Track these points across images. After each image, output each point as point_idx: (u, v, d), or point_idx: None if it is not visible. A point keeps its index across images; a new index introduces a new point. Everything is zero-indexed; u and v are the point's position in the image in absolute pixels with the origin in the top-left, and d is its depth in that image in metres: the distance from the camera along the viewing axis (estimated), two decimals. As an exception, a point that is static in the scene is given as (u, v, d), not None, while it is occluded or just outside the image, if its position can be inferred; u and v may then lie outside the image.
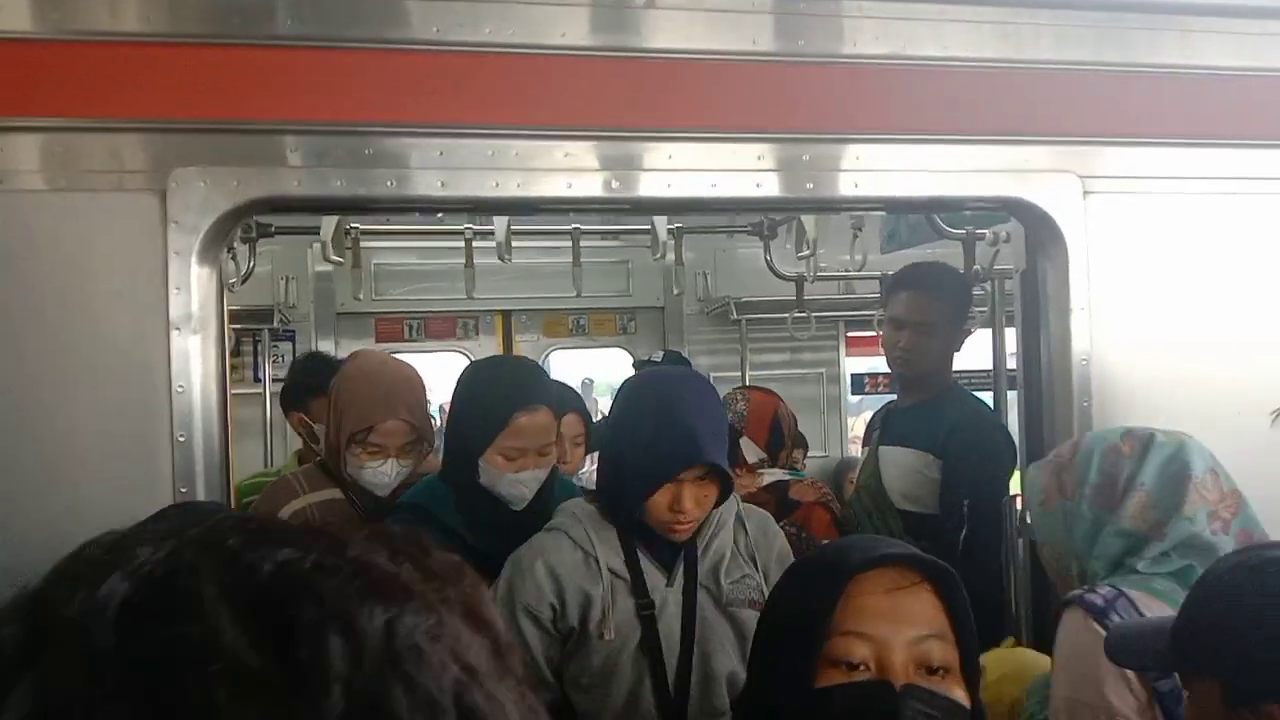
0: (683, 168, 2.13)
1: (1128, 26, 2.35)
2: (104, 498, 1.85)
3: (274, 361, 5.13)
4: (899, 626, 1.16)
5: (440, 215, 4.18)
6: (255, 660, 0.39)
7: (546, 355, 6.01)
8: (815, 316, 5.29)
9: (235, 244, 3.20)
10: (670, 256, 4.47)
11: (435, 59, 2.01)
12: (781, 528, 2.24)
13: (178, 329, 1.88)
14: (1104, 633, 1.52)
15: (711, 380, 5.83)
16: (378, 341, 5.57)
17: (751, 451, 2.87)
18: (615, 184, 2.11)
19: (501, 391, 2.15)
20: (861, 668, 1.15)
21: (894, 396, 3.29)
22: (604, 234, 5.40)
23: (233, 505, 2.07)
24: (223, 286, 1.97)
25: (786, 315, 5.25)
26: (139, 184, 1.89)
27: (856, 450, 5.51)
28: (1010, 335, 3.11)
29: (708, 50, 2.14)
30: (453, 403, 2.27)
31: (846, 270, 4.83)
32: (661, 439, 1.87)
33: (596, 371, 7.77)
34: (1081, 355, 2.31)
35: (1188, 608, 1.31)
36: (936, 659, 1.17)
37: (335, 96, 1.97)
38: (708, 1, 2.14)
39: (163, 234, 1.88)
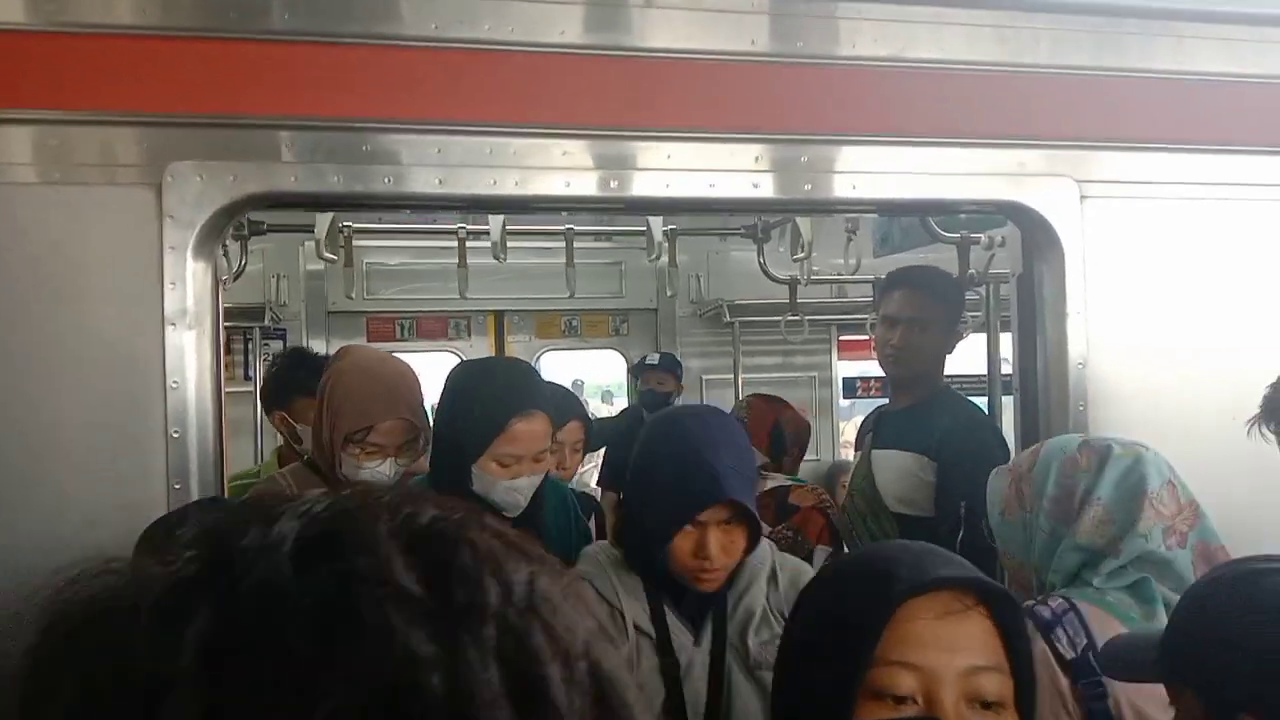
0: (681, 167, 2.13)
1: (1124, 32, 2.36)
2: (97, 493, 1.84)
3: (265, 360, 5.11)
4: (950, 656, 1.05)
5: (434, 215, 4.18)
6: (420, 591, 0.43)
7: (539, 356, 6.01)
8: (808, 320, 5.30)
9: (227, 241, 3.19)
10: (664, 258, 4.47)
11: (434, 55, 2.00)
12: (778, 531, 2.23)
13: (172, 324, 1.86)
14: (1046, 647, 1.54)
15: (703, 382, 5.93)
16: (369, 341, 5.56)
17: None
18: (613, 183, 2.10)
19: (496, 396, 2.06)
20: (909, 701, 1.04)
21: (886, 400, 3.29)
22: (597, 235, 5.40)
23: (225, 502, 2.05)
24: (218, 282, 1.96)
25: (779, 318, 5.26)
26: (134, 178, 1.88)
27: (848, 454, 5.52)
28: (1005, 339, 3.13)
29: (706, 50, 2.14)
30: (443, 406, 2.13)
31: (840, 274, 4.84)
32: (682, 477, 1.76)
33: (587, 373, 7.77)
34: (1078, 359, 2.31)
35: (1174, 620, 1.32)
36: (991, 693, 1.06)
37: (333, 92, 1.96)
38: (707, 1, 2.14)
39: (158, 228, 1.86)
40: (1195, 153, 2.40)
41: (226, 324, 2.09)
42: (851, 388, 6.17)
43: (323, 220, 3.44)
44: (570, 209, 2.71)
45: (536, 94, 2.06)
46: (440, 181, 2.00)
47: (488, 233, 3.82)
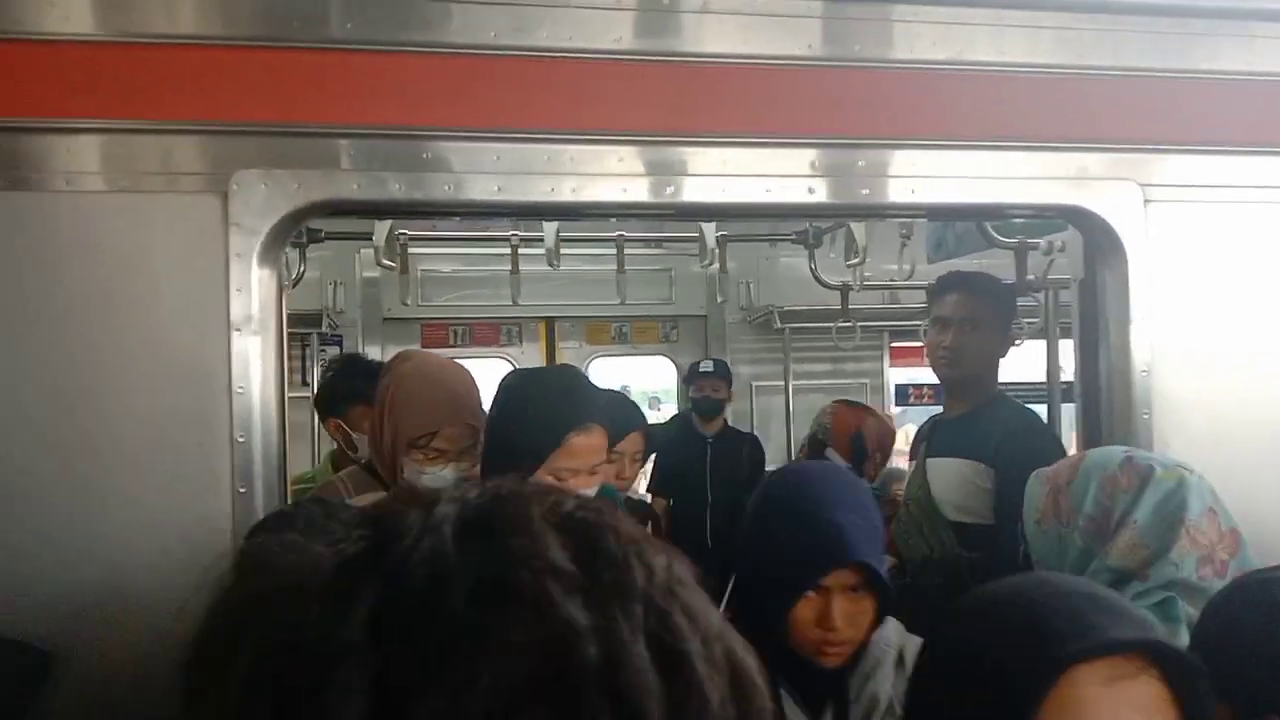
0: (737, 173, 2.12)
1: (1189, 32, 2.31)
2: (163, 498, 1.86)
3: (321, 365, 5.18)
4: None
5: (487, 223, 4.21)
6: (573, 569, 0.46)
7: (589, 362, 6.03)
8: (860, 326, 5.26)
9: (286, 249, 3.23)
10: (714, 265, 4.46)
11: (492, 63, 2.01)
12: None
13: (238, 330, 1.89)
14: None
15: (753, 390, 5.90)
16: (423, 347, 5.62)
17: (837, 462, 2.92)
18: (669, 189, 2.10)
19: (552, 410, 1.99)
20: None
21: (939, 408, 3.26)
22: (648, 241, 5.40)
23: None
24: (282, 289, 1.98)
25: (830, 325, 5.22)
26: (200, 186, 1.91)
27: (901, 463, 5.46)
28: (1064, 346, 3.08)
29: (762, 55, 2.13)
30: (495, 418, 2.09)
31: (892, 279, 4.81)
32: (804, 537, 1.61)
33: (634, 379, 7.78)
34: (1142, 367, 2.27)
35: (1197, 632, 1.36)
36: None
37: (393, 100, 1.98)
38: (762, 6, 2.13)
39: (224, 236, 1.89)
40: (1264, 155, 2.34)
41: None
42: (904, 395, 6.12)
43: (381, 228, 3.48)
44: (626, 215, 2.71)
45: (593, 100, 2.07)
46: (499, 188, 2.01)
47: (540, 240, 3.83)
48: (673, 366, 6.24)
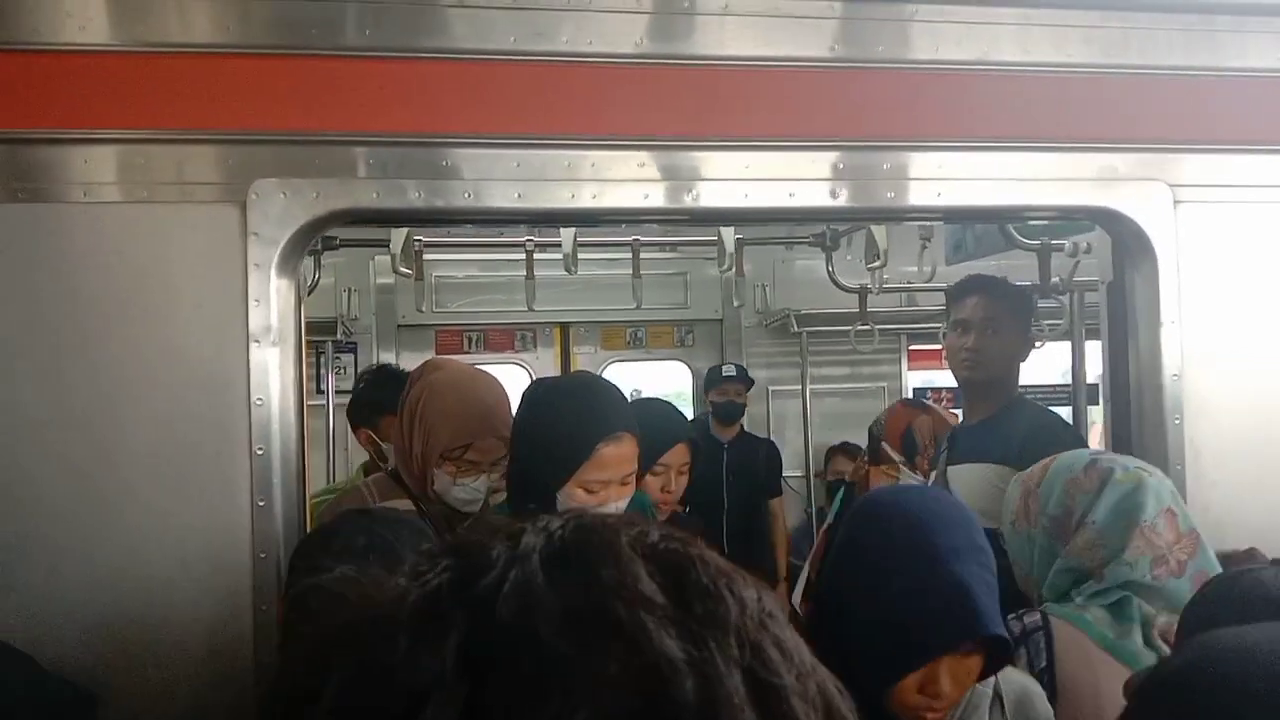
0: (760, 177, 2.09)
1: (1218, 29, 2.27)
2: (182, 510, 1.85)
3: (337, 373, 5.16)
4: None
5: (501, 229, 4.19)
6: (663, 600, 0.45)
7: (604, 367, 6.00)
8: (878, 329, 5.22)
9: (302, 256, 3.22)
10: (731, 268, 4.43)
11: (511, 68, 1.99)
12: None
13: (257, 341, 1.87)
14: None
15: (769, 394, 5.86)
16: (438, 353, 5.60)
17: (892, 455, 3.00)
18: (691, 194, 2.07)
19: (580, 420, 1.93)
20: None
21: (957, 412, 3.25)
22: (663, 245, 5.37)
23: (307, 518, 2.05)
24: (300, 299, 1.97)
25: (848, 328, 5.18)
26: (219, 195, 1.89)
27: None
28: (1089, 348, 3.05)
29: (785, 57, 2.10)
30: (521, 428, 2.03)
31: (911, 282, 4.76)
32: (922, 599, 1.34)
33: (649, 384, 7.75)
34: (1172, 371, 2.23)
35: (1179, 631, 1.40)
36: None
37: (413, 107, 1.95)
38: (785, 8, 2.10)
39: (242, 246, 1.87)
40: (1295, 154, 2.30)
41: (302, 339, 2.09)
42: (922, 399, 6.07)
43: (397, 235, 3.46)
44: (648, 221, 2.69)
45: (614, 106, 2.04)
46: (519, 195, 1.98)
47: (555, 245, 3.81)
48: (688, 371, 6.20)
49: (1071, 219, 2.74)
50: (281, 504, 1.88)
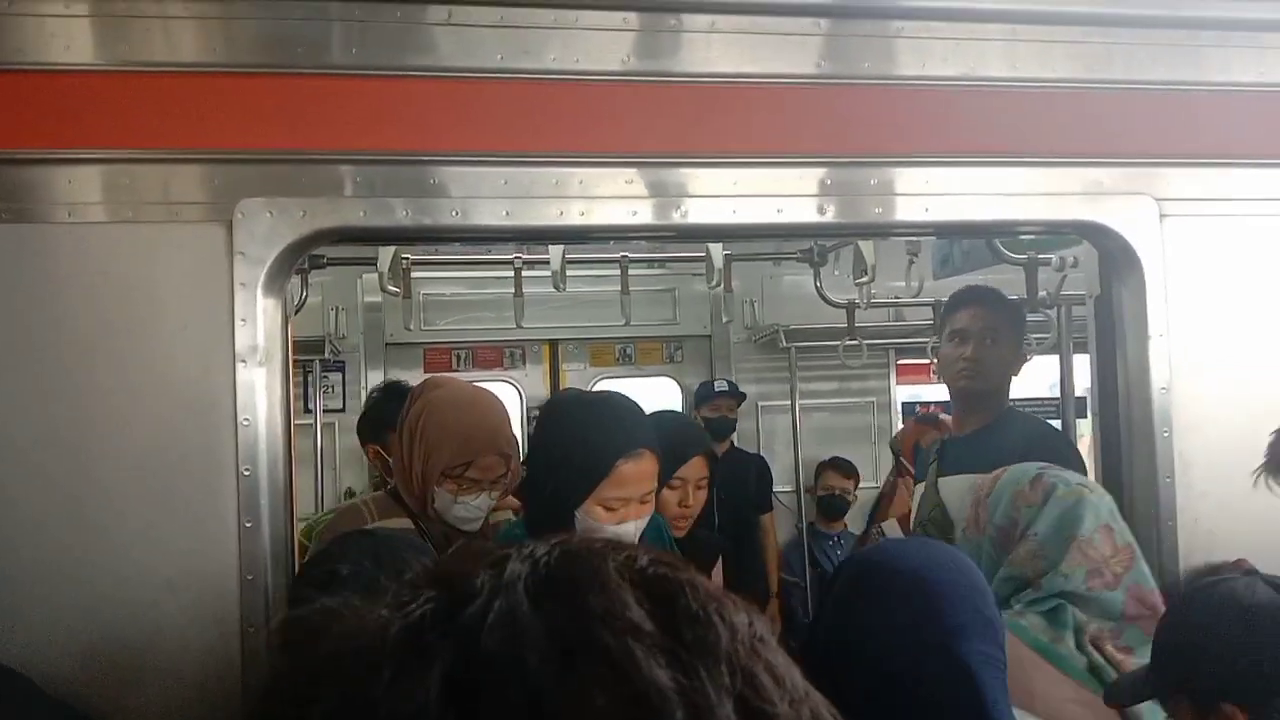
0: (748, 193, 2.09)
1: (1202, 44, 2.29)
2: (168, 531, 1.83)
3: (324, 392, 5.14)
4: None
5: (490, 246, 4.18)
6: (652, 628, 0.44)
7: (594, 384, 5.99)
8: (866, 344, 5.23)
9: (289, 275, 3.20)
10: (720, 284, 4.43)
11: (500, 87, 1.99)
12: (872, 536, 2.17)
13: (243, 361, 1.85)
14: None
15: (759, 409, 5.86)
16: (425, 372, 5.58)
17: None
18: (679, 211, 2.07)
19: (599, 438, 1.90)
20: None
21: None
22: (651, 262, 5.38)
23: (294, 540, 2.03)
24: (287, 318, 1.95)
25: (836, 343, 5.19)
26: (204, 215, 1.87)
27: (909, 480, 5.42)
28: (1078, 362, 3.05)
29: (772, 74, 2.10)
30: (539, 446, 2.01)
31: (898, 297, 4.78)
32: (924, 685, 1.24)
33: (637, 399, 7.73)
34: (1160, 384, 2.23)
35: (1155, 641, 1.53)
36: None
37: (400, 126, 1.95)
38: (772, 25, 2.10)
39: (229, 265, 1.86)
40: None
41: (290, 358, 2.08)
42: (910, 412, 6.07)
43: (385, 254, 3.46)
44: (636, 237, 2.68)
45: (601, 123, 2.04)
46: (507, 213, 1.98)
47: (544, 262, 3.81)
48: (677, 387, 6.19)
49: (1058, 233, 2.75)
50: (269, 525, 1.86)
